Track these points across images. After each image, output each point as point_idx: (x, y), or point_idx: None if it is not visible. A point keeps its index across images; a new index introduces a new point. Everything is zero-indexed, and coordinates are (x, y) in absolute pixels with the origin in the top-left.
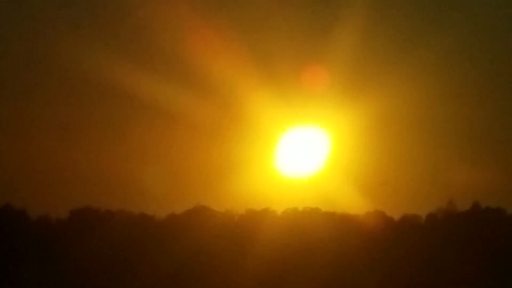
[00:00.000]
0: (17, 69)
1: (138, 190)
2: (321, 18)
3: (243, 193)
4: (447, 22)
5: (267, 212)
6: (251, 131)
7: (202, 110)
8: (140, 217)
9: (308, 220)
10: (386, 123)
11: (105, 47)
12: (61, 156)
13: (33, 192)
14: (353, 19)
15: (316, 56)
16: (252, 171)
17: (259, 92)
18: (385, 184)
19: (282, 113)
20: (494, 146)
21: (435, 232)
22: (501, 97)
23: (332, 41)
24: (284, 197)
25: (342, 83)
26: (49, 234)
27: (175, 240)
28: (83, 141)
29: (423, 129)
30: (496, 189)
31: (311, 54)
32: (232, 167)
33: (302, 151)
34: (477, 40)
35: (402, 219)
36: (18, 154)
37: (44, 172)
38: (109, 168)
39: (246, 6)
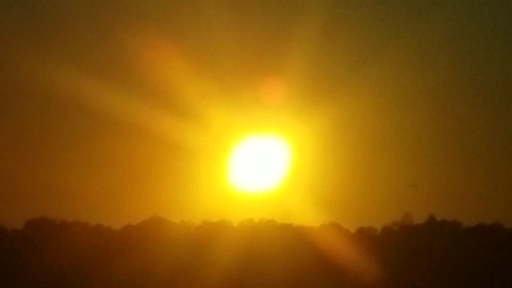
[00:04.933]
0: None
1: (94, 201)
2: (279, 29)
3: (199, 205)
4: (405, 32)
5: (223, 224)
6: (208, 142)
7: (158, 122)
8: (96, 228)
9: (264, 231)
10: (343, 136)
11: (63, 59)
12: (17, 167)
13: None
14: (312, 29)
15: (274, 66)
16: (209, 183)
17: (216, 103)
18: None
19: (240, 124)
20: (450, 160)
21: (390, 244)
22: (459, 109)
23: (290, 51)
24: (241, 209)
25: (300, 94)
26: (5, 244)
27: (131, 251)
28: (39, 152)
29: (381, 142)
30: (452, 203)
31: (269, 65)
32: (189, 178)
33: (259, 163)
34: (436, 50)
35: (358, 232)
36: None
37: None
38: (65, 179)
39: (203, 19)
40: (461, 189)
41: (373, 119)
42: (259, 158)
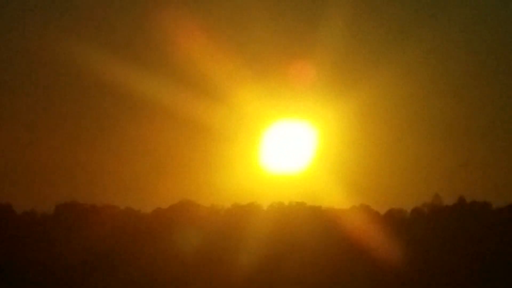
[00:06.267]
0: (9, 66)
1: (124, 184)
2: (308, 14)
3: (229, 188)
4: (436, 18)
5: (253, 207)
6: (238, 126)
7: (189, 106)
8: (126, 212)
9: (294, 214)
10: (372, 118)
11: (97, 45)
12: (47, 151)
13: (19, 187)
14: (341, 14)
15: (303, 51)
16: (238, 166)
17: (246, 87)
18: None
19: (269, 108)
20: (478, 142)
21: (420, 226)
22: (487, 95)
23: (319, 36)
24: (270, 192)
25: (329, 78)
26: (35, 228)
27: (161, 234)
28: (70, 136)
29: (409, 125)
30: (481, 184)
31: (298, 49)
32: (218, 162)
33: (288, 146)
34: (466, 39)
35: (388, 214)
36: (3, 149)
37: (30, 167)
38: (95, 163)
39: (233, 3)
40: (491, 170)
41: (402, 101)
42: (288, 141)
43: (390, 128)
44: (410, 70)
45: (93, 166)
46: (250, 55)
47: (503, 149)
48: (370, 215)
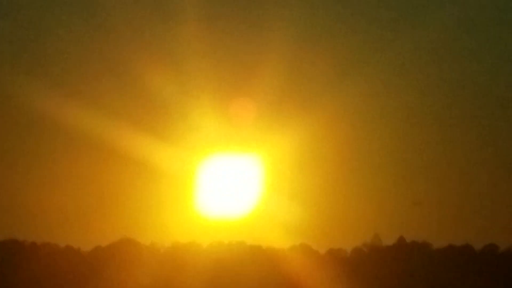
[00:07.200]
0: None
1: (63, 222)
2: (248, 50)
3: (169, 226)
4: (376, 54)
5: (192, 245)
6: (178, 163)
7: (129, 144)
8: (65, 250)
9: (233, 253)
10: (311, 157)
11: (34, 78)
12: None
13: None
14: (281, 49)
15: (243, 85)
16: (178, 204)
17: (186, 124)
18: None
19: (209, 146)
20: (419, 181)
21: (360, 266)
22: (427, 135)
23: (259, 71)
24: (210, 231)
25: (269, 115)
26: None
27: (100, 273)
28: (7, 172)
29: (349, 164)
30: (421, 224)
31: (238, 83)
32: (158, 199)
33: (228, 185)
34: (402, 77)
35: (328, 253)
36: None
37: None
38: (34, 200)
39: (172, 39)
40: (432, 210)
41: (341, 140)
42: (228, 180)
43: (329, 167)
44: (350, 106)
45: (33, 203)
46: (189, 91)
47: (444, 190)
48: (310, 254)
